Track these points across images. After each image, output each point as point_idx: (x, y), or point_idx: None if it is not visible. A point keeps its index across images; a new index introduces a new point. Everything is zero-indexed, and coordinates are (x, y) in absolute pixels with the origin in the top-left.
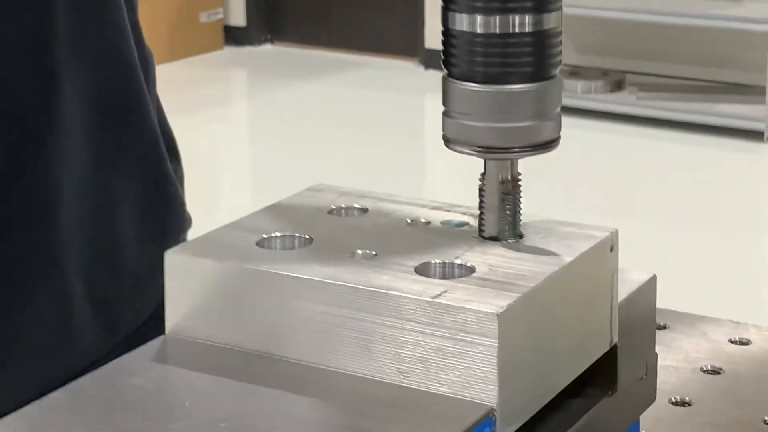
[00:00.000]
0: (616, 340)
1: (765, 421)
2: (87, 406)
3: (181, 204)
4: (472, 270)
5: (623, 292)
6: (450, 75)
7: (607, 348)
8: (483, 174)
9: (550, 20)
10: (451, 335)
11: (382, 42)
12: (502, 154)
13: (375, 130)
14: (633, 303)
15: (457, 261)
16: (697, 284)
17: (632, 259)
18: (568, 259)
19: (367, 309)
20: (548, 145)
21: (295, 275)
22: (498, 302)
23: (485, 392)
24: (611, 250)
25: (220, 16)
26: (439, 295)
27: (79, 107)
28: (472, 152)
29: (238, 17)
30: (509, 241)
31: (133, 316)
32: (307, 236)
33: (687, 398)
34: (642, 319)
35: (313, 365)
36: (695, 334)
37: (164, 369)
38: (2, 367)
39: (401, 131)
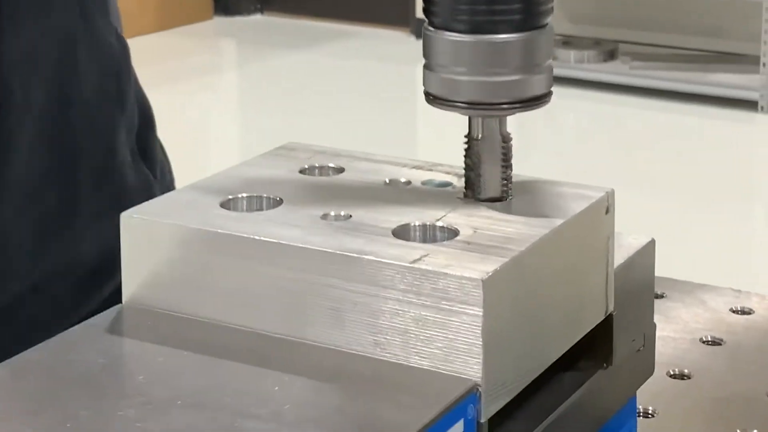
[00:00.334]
0: (611, 308)
1: None
2: (28, 383)
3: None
4: (455, 233)
5: (620, 258)
6: (431, 24)
7: (602, 317)
8: (468, 133)
9: None
10: (431, 303)
11: (373, 12)
12: (489, 110)
13: (365, 100)
14: (630, 269)
15: (439, 223)
16: (690, 253)
17: (624, 229)
18: (559, 221)
19: (339, 275)
20: (539, 100)
21: (262, 238)
22: (483, 267)
23: (468, 366)
24: (607, 211)
25: None
26: (419, 259)
27: (32, 118)
28: (456, 108)
29: None
30: (496, 202)
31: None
32: (275, 197)
33: (686, 371)
34: (640, 286)
35: (281, 337)
36: (694, 303)
37: (118, 341)
38: None
39: (392, 101)
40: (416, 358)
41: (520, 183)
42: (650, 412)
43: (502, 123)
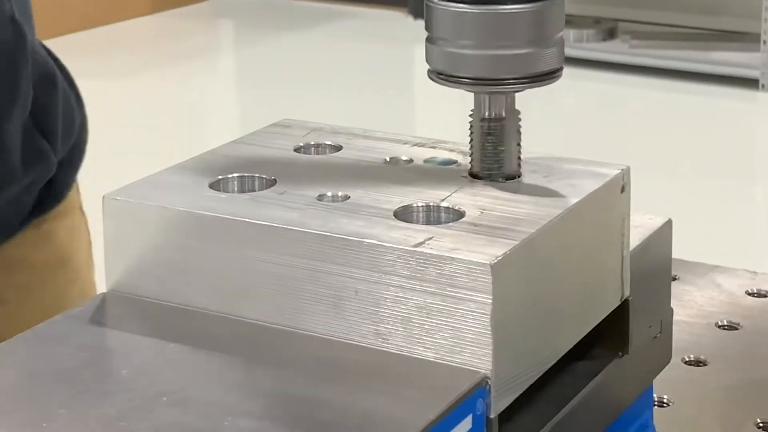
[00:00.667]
0: (627, 293)
1: None
2: (2, 378)
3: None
4: (460, 214)
5: (635, 239)
6: None
7: (617, 303)
8: (474, 109)
9: None
10: (437, 290)
11: None
12: (496, 86)
13: (363, 81)
14: (646, 251)
15: (444, 204)
16: (692, 233)
17: None
18: (572, 200)
19: (338, 260)
20: (549, 75)
21: (254, 221)
22: (491, 251)
23: (477, 357)
24: (622, 190)
25: None
26: (423, 243)
27: None
28: (461, 85)
29: None
30: (504, 181)
31: None
32: (269, 177)
33: (702, 357)
34: (657, 269)
35: (276, 326)
36: (709, 286)
37: (100, 332)
38: None
39: (390, 82)
40: (420, 349)
41: (530, 161)
42: (665, 401)
43: (510, 99)
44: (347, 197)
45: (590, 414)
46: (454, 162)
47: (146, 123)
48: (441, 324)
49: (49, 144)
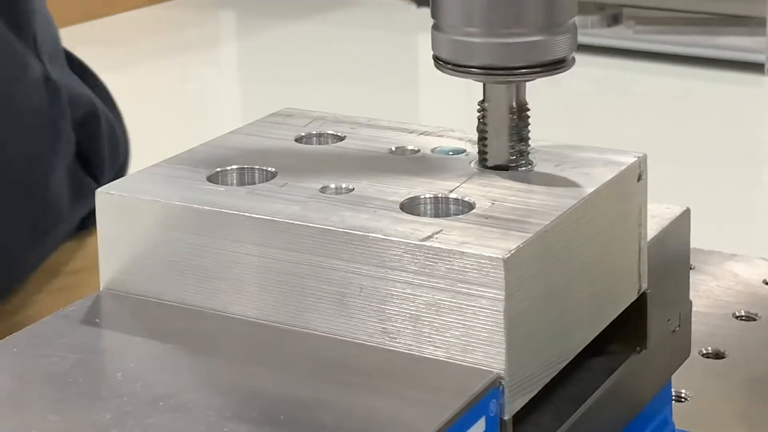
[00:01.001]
0: (645, 286)
1: None
2: None
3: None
4: (470, 206)
5: (653, 230)
6: None
7: (634, 296)
8: (482, 100)
9: None
10: (446, 286)
11: None
12: (506, 75)
13: (367, 69)
14: (664, 242)
15: (453, 195)
16: (701, 218)
17: None
18: (587, 190)
19: (342, 256)
20: (561, 64)
21: (254, 215)
22: (504, 245)
23: (490, 356)
24: (639, 179)
25: None
26: (431, 236)
27: None
28: (470, 74)
29: None
30: (516, 170)
31: None
32: (269, 169)
33: (720, 349)
34: (675, 261)
35: (277, 325)
36: (725, 276)
37: (93, 333)
38: None
39: (393, 71)
40: (430, 348)
41: (542, 149)
42: (683, 396)
43: (520, 90)
44: (351, 189)
45: (608, 413)
46: (463, 151)
47: (147, 115)
48: (451, 322)
49: (95, 179)
